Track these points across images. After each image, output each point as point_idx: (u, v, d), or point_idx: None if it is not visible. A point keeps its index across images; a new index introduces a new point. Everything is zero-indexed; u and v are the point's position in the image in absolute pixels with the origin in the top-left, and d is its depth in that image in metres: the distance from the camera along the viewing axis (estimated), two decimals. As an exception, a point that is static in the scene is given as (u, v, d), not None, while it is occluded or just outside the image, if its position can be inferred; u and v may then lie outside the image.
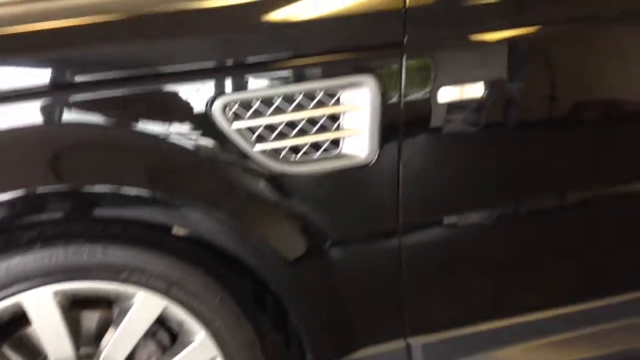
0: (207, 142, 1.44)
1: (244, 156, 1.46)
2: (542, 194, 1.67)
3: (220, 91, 1.44)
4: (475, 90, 1.53)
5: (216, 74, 1.44)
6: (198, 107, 1.43)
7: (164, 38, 1.45)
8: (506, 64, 1.56)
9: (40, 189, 1.36)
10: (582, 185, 1.70)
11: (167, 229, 1.47)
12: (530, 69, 1.61)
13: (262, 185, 1.47)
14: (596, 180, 1.71)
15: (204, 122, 1.44)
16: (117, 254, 1.41)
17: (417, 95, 1.51)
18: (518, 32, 1.57)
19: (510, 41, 1.57)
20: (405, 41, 1.49)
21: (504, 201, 1.65)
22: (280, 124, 1.47)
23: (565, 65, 1.63)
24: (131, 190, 1.39)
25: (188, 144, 1.43)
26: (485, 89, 1.53)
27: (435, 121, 1.53)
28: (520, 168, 1.64)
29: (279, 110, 1.46)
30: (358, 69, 1.48)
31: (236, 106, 1.44)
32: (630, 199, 1.76)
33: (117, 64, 1.42)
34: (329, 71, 1.47)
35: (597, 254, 1.76)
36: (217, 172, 1.46)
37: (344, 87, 1.48)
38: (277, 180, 1.48)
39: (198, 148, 1.44)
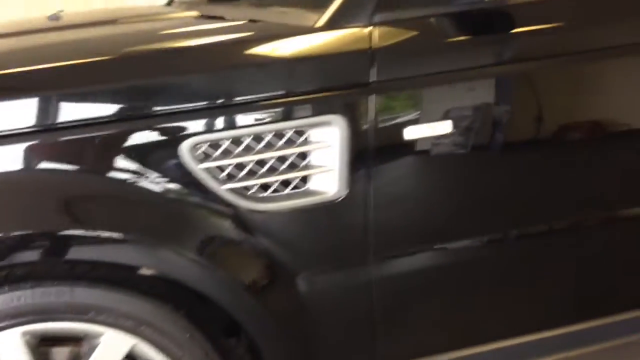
0: (177, 181, 1.45)
1: (214, 195, 1.46)
2: (510, 224, 1.69)
3: (189, 131, 1.44)
4: (443, 127, 1.54)
5: (185, 115, 1.45)
6: (167, 147, 1.44)
7: (133, 80, 1.46)
8: (473, 102, 1.58)
9: (15, 233, 1.37)
10: (550, 215, 1.71)
11: (135, 268, 1.47)
12: (497, 106, 1.61)
13: (231, 223, 1.48)
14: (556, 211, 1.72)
15: (173, 162, 1.44)
16: (85, 294, 1.41)
17: (385, 132, 1.52)
18: (485, 71, 1.59)
19: (476, 79, 1.58)
20: (372, 80, 1.50)
21: (473, 233, 1.66)
22: (249, 162, 1.48)
23: (533, 101, 1.64)
24: (103, 233, 1.39)
25: (157, 184, 1.44)
26: (453, 126, 1.54)
27: (404, 157, 1.55)
28: (487, 200, 1.65)
29: (248, 149, 1.47)
30: (327, 108, 1.49)
31: (205, 146, 1.45)
32: (595, 227, 1.77)
33: (87, 107, 1.43)
34: (298, 111, 1.48)
35: (566, 280, 1.77)
36: (187, 211, 1.47)
37: (312, 126, 1.49)
38: (246, 218, 1.48)
39: (167, 188, 1.45)
